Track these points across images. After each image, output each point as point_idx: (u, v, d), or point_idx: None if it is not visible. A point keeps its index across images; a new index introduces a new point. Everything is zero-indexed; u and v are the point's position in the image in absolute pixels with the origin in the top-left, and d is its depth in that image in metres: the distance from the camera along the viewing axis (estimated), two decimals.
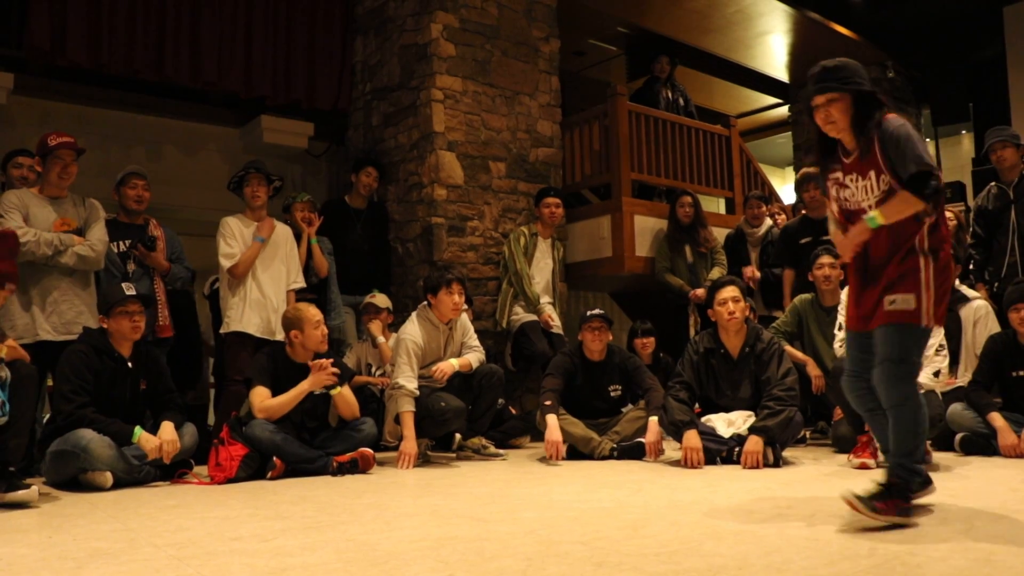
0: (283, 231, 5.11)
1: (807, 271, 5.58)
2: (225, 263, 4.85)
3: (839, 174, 2.76)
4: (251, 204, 4.97)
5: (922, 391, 3.77)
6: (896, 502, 2.48)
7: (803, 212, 6.17)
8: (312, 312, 4.36)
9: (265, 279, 4.90)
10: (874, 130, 2.64)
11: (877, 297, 2.65)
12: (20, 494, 3.22)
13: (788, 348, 4.67)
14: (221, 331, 4.92)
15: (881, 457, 4.01)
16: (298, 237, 5.28)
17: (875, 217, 2.61)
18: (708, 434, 4.21)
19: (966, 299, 4.98)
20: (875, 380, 2.66)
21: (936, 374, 3.91)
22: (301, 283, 5.10)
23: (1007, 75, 8.94)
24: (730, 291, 4.35)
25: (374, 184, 6.17)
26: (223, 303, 4.92)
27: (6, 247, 3.30)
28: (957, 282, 5.19)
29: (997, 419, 4.20)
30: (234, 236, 4.86)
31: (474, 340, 4.87)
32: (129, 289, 4.01)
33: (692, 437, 4.15)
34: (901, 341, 2.61)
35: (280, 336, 4.71)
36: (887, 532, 2.41)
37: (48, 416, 3.96)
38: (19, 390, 3.38)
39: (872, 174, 2.66)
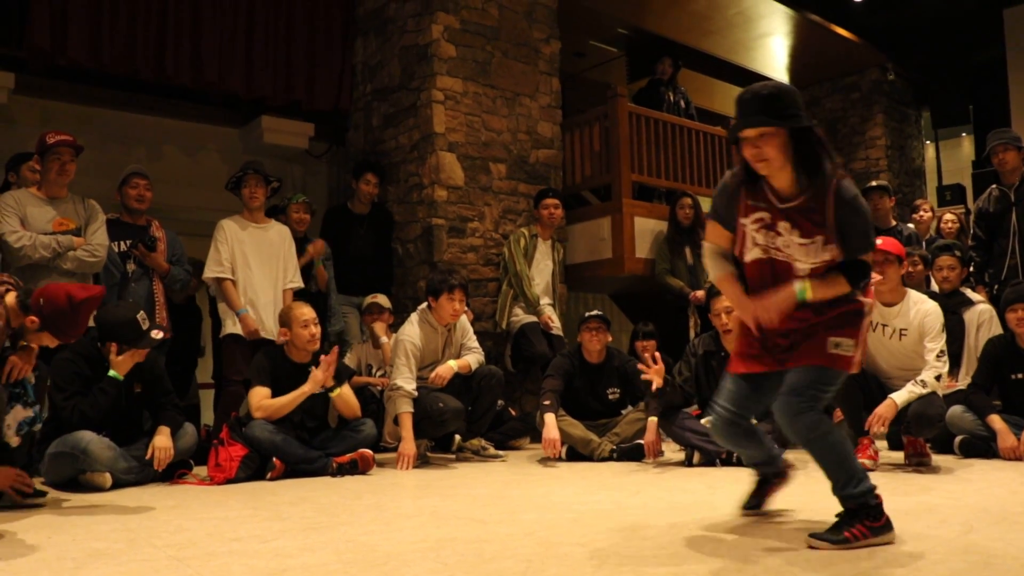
0: (281, 231, 5.10)
1: None
2: (209, 271, 4.83)
3: (766, 215, 2.43)
4: (249, 205, 4.97)
5: (927, 390, 3.82)
6: (865, 524, 2.31)
7: None
8: (301, 311, 4.35)
9: (259, 280, 4.89)
10: (828, 185, 2.35)
11: (811, 339, 2.43)
12: (36, 500, 3.27)
13: None
14: (220, 335, 4.91)
15: (880, 459, 4.02)
16: (298, 242, 5.29)
17: (805, 291, 2.37)
18: (708, 435, 4.21)
19: (970, 302, 4.99)
20: (781, 411, 2.38)
21: (938, 378, 3.92)
22: (298, 283, 5.09)
23: (1007, 77, 8.96)
24: (725, 301, 4.35)
25: (374, 191, 6.16)
26: (220, 306, 4.91)
27: (91, 308, 3.25)
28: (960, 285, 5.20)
29: (996, 421, 4.20)
30: (226, 241, 4.84)
31: (473, 341, 4.87)
32: (156, 333, 3.84)
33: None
34: (830, 382, 2.42)
35: (273, 336, 4.75)
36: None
37: (46, 416, 3.94)
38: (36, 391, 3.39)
39: (820, 239, 2.38)
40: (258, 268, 4.91)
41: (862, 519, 2.31)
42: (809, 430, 2.36)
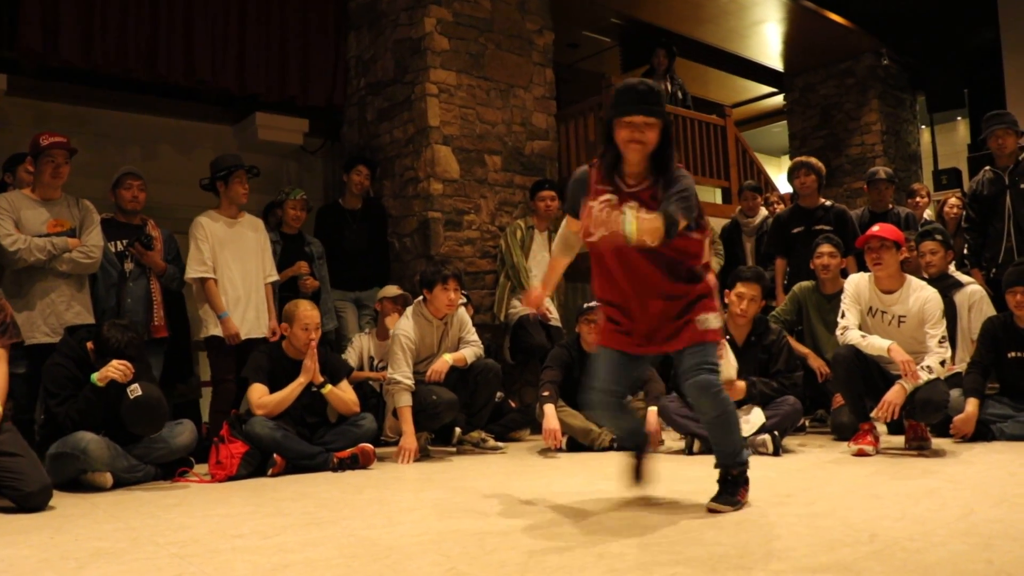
0: (254, 224, 5.02)
1: (799, 260, 5.57)
2: (192, 271, 4.71)
3: (613, 197, 2.70)
4: (239, 201, 4.91)
5: (933, 376, 3.84)
6: (744, 489, 2.77)
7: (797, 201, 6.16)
8: (306, 313, 4.31)
9: (240, 277, 4.83)
10: (669, 172, 2.67)
11: (677, 323, 2.70)
12: None
13: (791, 341, 4.71)
14: (200, 335, 4.80)
15: (880, 444, 4.03)
16: (289, 238, 5.28)
17: (632, 224, 2.45)
18: None
19: (960, 284, 4.98)
20: (696, 390, 2.67)
21: (942, 363, 3.93)
22: (275, 276, 5.04)
23: (1002, 61, 8.94)
24: (749, 289, 4.34)
25: (366, 183, 6.14)
26: (199, 305, 4.78)
27: None
28: (951, 267, 5.19)
29: (970, 404, 4.21)
30: (206, 239, 4.74)
31: (472, 335, 4.86)
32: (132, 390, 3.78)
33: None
34: (712, 355, 2.73)
35: (257, 332, 4.78)
36: (887, 518, 2.43)
37: (43, 418, 3.93)
38: None
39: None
40: (236, 264, 4.83)
41: (743, 484, 2.78)
42: (724, 405, 2.72)
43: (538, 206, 6.10)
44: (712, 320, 2.71)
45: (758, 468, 3.60)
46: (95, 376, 3.71)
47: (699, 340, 2.68)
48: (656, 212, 2.53)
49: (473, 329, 4.92)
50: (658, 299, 2.71)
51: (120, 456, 3.77)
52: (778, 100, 10.78)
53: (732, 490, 2.74)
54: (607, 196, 2.70)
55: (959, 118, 10.81)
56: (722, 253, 6.44)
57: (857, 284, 4.20)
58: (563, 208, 2.81)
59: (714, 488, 3.13)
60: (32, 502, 3.22)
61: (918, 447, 4.00)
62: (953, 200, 6.59)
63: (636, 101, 2.62)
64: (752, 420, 4.18)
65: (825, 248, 5.02)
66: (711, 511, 2.64)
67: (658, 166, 2.68)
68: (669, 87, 7.76)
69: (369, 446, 4.25)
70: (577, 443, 4.67)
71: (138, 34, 5.78)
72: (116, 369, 3.69)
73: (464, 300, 5.05)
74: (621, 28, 8.74)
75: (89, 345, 3.88)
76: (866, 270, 4.25)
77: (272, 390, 4.21)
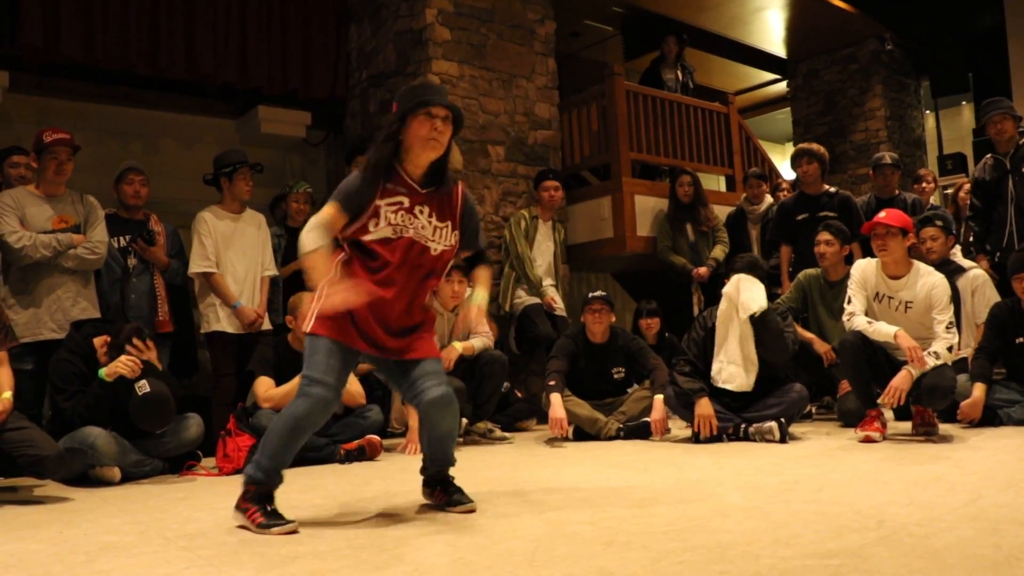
0: (257, 220, 5.02)
1: (803, 248, 5.56)
2: (196, 266, 4.74)
3: (404, 199, 2.59)
4: (242, 198, 4.91)
5: (940, 362, 3.83)
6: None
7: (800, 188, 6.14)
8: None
9: (241, 273, 4.83)
10: (453, 184, 2.69)
11: (415, 335, 2.68)
12: None
13: (797, 328, 4.70)
14: (201, 331, 4.84)
15: (887, 430, 4.03)
16: (293, 231, 5.26)
17: (481, 298, 2.74)
18: (716, 411, 4.22)
19: (962, 269, 4.97)
20: (442, 404, 2.60)
21: (949, 349, 3.92)
22: (274, 271, 5.05)
23: (1007, 45, 8.87)
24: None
25: None
26: (201, 300, 4.82)
27: None
28: (955, 251, 5.18)
29: (977, 389, 4.21)
30: (209, 234, 4.75)
31: (483, 326, 4.85)
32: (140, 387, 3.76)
33: (704, 405, 4.20)
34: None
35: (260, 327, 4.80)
36: (894, 504, 2.42)
37: (50, 414, 3.94)
38: None
39: (449, 224, 2.67)
40: (239, 260, 4.84)
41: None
42: (458, 418, 2.73)
43: (542, 196, 6.09)
44: (436, 338, 2.80)
45: (765, 456, 3.62)
46: (103, 371, 3.72)
47: (437, 355, 2.73)
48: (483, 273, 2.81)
49: (484, 320, 4.91)
50: (413, 308, 2.66)
51: (128, 451, 3.78)
52: (781, 87, 10.73)
53: (457, 487, 2.74)
54: (398, 198, 2.59)
55: (964, 103, 10.76)
56: (727, 241, 6.43)
57: (864, 270, 4.18)
58: (339, 201, 2.55)
59: (720, 474, 3.13)
60: (50, 466, 3.31)
61: (925, 433, 4.00)
62: (968, 185, 6.57)
63: (438, 92, 2.59)
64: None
65: (822, 236, 5.00)
66: (466, 512, 2.62)
67: (442, 171, 2.65)
68: (680, 75, 7.73)
69: (376, 438, 4.26)
70: (583, 432, 4.67)
71: (139, 29, 5.77)
72: (125, 364, 3.71)
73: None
74: (623, 16, 8.70)
75: (99, 340, 3.87)
76: (873, 256, 4.24)
77: (278, 383, 4.22)
